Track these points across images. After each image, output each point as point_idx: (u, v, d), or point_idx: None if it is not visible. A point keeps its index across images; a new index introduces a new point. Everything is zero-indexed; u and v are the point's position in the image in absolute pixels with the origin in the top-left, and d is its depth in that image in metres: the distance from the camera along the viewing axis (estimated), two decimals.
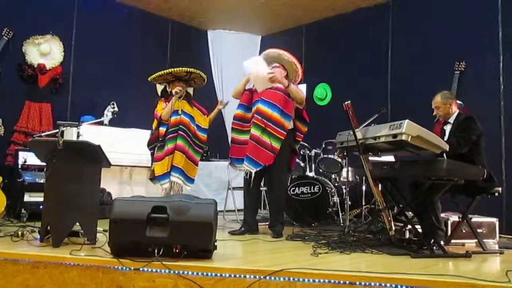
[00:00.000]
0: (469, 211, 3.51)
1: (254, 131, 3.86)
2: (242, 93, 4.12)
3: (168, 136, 3.97)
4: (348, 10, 6.22)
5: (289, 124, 3.94)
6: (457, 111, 3.66)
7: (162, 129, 4.00)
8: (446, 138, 3.64)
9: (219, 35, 7.15)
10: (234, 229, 4.02)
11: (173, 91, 4.04)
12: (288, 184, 4.83)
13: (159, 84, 4.37)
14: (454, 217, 3.77)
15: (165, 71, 4.04)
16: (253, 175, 3.85)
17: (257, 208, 4.23)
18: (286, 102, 3.93)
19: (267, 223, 4.26)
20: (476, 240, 3.50)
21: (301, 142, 5.08)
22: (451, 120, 3.65)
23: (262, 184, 4.33)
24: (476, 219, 3.83)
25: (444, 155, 3.25)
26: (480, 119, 3.55)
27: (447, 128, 3.67)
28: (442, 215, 3.87)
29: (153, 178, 4.01)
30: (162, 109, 4.04)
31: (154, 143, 4.05)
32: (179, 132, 3.97)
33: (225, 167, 5.34)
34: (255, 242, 3.59)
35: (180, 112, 4.02)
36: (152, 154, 4.06)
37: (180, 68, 4.02)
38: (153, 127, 4.11)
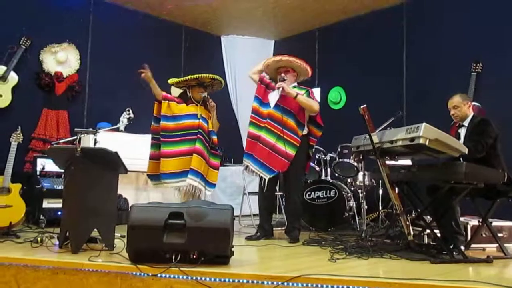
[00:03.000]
0: (489, 215, 3.44)
1: (269, 138, 3.86)
2: (257, 75, 4.12)
3: (186, 137, 3.97)
4: (361, 13, 6.19)
5: (302, 132, 3.93)
6: (472, 113, 3.61)
7: (165, 123, 4.00)
8: (461, 141, 3.59)
9: (232, 40, 7.18)
10: (250, 234, 4.01)
11: (210, 105, 4.09)
12: (304, 189, 4.81)
13: (179, 88, 4.38)
14: (474, 221, 3.71)
15: (191, 76, 4.04)
16: (266, 182, 3.85)
17: (272, 212, 4.21)
18: (299, 109, 3.93)
19: (283, 228, 4.25)
20: (497, 244, 3.44)
21: (316, 146, 5.08)
22: (466, 123, 3.60)
23: (277, 188, 4.32)
24: (496, 223, 3.76)
25: (461, 158, 3.21)
26: (498, 121, 3.50)
27: (462, 132, 3.62)
28: (462, 219, 3.81)
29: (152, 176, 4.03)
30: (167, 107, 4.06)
31: (157, 135, 4.04)
32: (198, 135, 3.98)
33: (240, 172, 5.34)
34: (271, 247, 3.58)
35: (199, 116, 4.04)
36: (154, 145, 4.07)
37: (207, 75, 4.03)
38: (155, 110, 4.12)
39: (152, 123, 4.12)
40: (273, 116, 3.90)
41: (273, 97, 3.92)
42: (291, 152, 3.83)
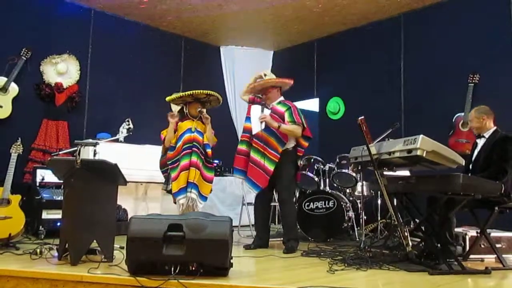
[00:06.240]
0: (488, 225, 3.45)
1: (255, 156, 4.00)
2: (248, 94, 4.22)
3: (183, 152, 4.03)
4: (359, 24, 6.25)
5: (281, 148, 4.00)
6: (495, 127, 3.64)
7: (170, 153, 4.11)
8: (477, 151, 3.63)
9: (231, 51, 7.23)
10: (248, 244, 4.09)
11: (204, 117, 4.13)
12: (303, 199, 4.83)
13: (176, 105, 4.42)
14: (472, 232, 3.72)
15: (186, 93, 4.10)
16: (255, 196, 4.06)
17: (267, 223, 4.26)
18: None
19: (282, 238, 4.25)
20: (496, 255, 3.44)
21: (315, 157, 5.12)
22: (486, 135, 3.63)
23: (276, 199, 4.37)
24: (495, 233, 3.77)
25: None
26: None
27: (480, 142, 3.66)
28: (460, 229, 3.83)
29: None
30: (164, 132, 4.19)
31: (165, 167, 4.17)
32: (193, 149, 4.03)
33: (239, 182, 5.36)
34: (271, 258, 3.58)
35: (193, 129, 4.09)
36: (166, 177, 4.14)
37: (201, 91, 4.09)
38: (162, 149, 4.25)
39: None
40: (257, 134, 3.99)
41: (254, 113, 4.00)
42: (270, 168, 3.94)
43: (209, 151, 4.16)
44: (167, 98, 4.26)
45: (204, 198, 4.10)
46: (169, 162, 4.10)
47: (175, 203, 4.07)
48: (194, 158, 4.02)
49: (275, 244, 4.25)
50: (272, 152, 3.97)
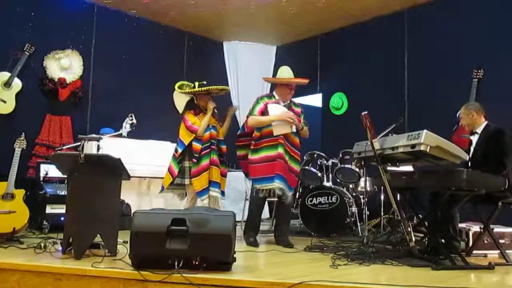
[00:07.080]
0: (491, 221, 3.45)
1: (285, 155, 3.94)
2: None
3: (203, 152, 4.04)
4: (362, 20, 6.22)
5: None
6: (485, 122, 3.63)
7: (197, 145, 4.03)
8: (472, 148, 3.62)
9: (234, 46, 7.22)
10: (251, 241, 4.03)
11: (210, 107, 4.11)
12: (306, 195, 4.83)
13: (186, 94, 4.36)
14: (476, 227, 3.71)
15: (202, 89, 4.07)
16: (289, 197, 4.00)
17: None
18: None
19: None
20: (499, 251, 3.44)
21: (318, 152, 5.12)
22: (479, 130, 3.63)
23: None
24: (498, 229, 3.75)
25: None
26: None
27: (474, 139, 3.66)
28: (463, 225, 3.83)
29: (163, 189, 4.16)
30: (197, 122, 4.07)
31: (192, 156, 4.08)
32: (212, 147, 4.09)
33: (242, 177, 5.36)
34: (273, 253, 3.59)
35: (210, 126, 4.11)
36: (182, 168, 4.11)
37: (216, 87, 4.10)
38: (184, 139, 4.07)
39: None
40: (286, 134, 3.96)
41: (275, 112, 3.94)
42: (297, 167, 4.09)
43: (224, 147, 4.24)
44: (177, 87, 4.21)
45: (223, 193, 4.18)
46: (196, 155, 4.01)
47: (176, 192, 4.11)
48: (214, 157, 4.09)
49: (272, 239, 4.24)
50: (297, 152, 4.07)
